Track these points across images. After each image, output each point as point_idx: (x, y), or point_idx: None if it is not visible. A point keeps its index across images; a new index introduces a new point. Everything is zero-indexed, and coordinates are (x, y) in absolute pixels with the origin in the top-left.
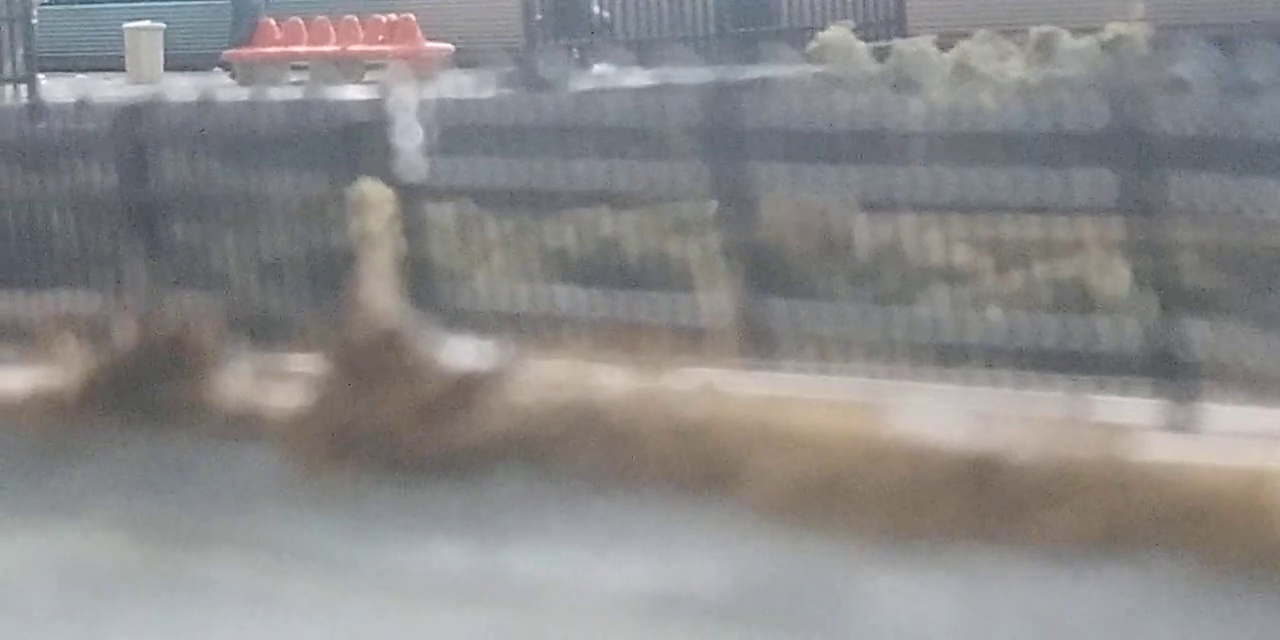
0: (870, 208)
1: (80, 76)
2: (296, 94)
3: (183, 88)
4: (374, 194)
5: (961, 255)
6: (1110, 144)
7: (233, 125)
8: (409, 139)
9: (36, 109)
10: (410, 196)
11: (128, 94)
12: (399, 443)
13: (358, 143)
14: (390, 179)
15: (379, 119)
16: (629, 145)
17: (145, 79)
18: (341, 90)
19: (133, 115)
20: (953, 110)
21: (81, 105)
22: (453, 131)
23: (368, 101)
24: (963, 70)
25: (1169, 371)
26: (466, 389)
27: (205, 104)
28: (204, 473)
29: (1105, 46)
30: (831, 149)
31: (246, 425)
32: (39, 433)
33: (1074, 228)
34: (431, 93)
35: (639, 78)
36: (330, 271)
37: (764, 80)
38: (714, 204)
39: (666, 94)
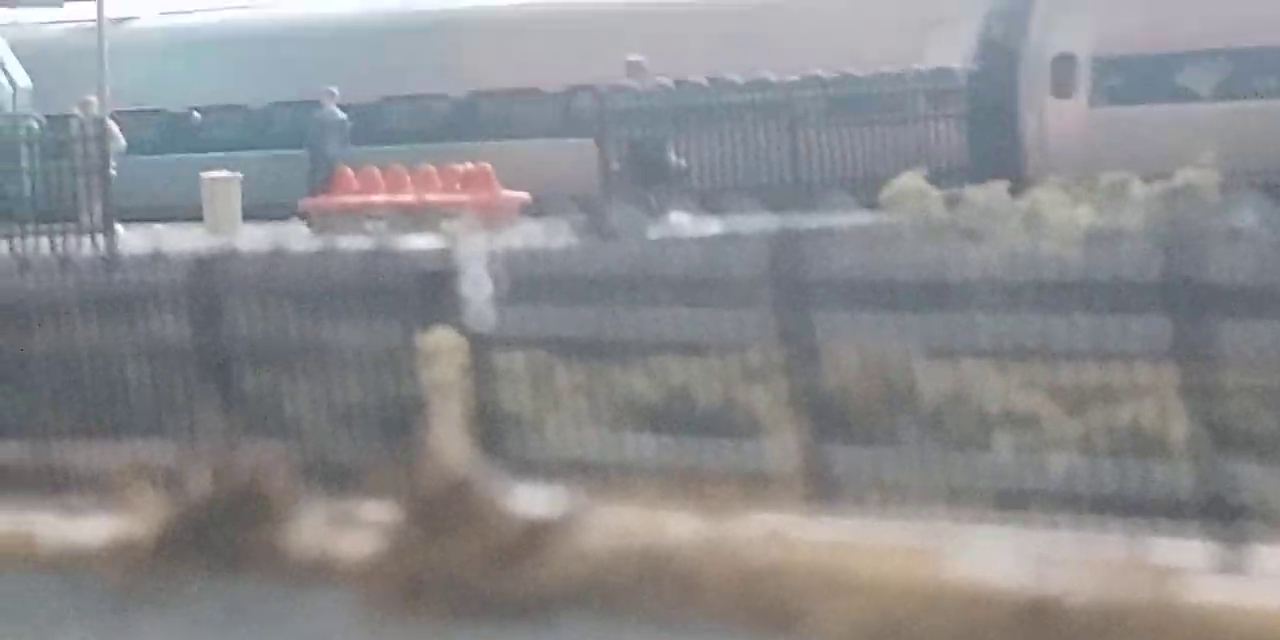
0: (934, 354)
1: (159, 226)
2: (369, 243)
3: (258, 237)
4: (445, 342)
5: (1022, 401)
6: (1166, 292)
7: (304, 275)
8: (479, 288)
9: (112, 260)
10: (480, 345)
11: (202, 244)
12: (470, 589)
13: (428, 292)
14: (461, 328)
15: (449, 268)
16: (698, 294)
17: (223, 229)
18: (413, 240)
19: (206, 266)
20: (1017, 258)
21: (156, 256)
22: (522, 280)
23: (438, 251)
24: (1033, 218)
25: (1221, 514)
26: (536, 536)
27: (277, 255)
28: (279, 619)
29: (1174, 194)
30: (896, 297)
31: (320, 572)
32: (116, 581)
33: (1132, 373)
34: (502, 242)
35: (714, 226)
36: (402, 419)
37: (837, 228)
38: (781, 351)
39: (736, 243)
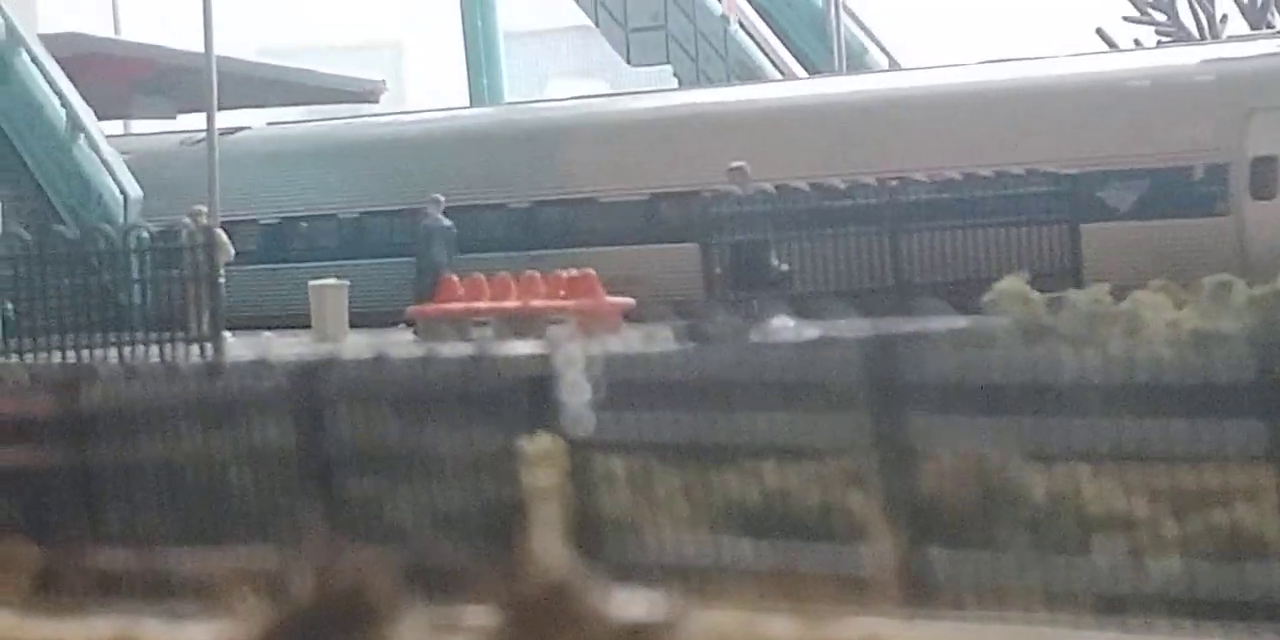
0: (1033, 458)
1: (266, 334)
2: (469, 350)
3: (362, 344)
4: (545, 447)
5: (1119, 504)
6: (1263, 395)
7: (405, 381)
8: (577, 393)
9: (217, 367)
10: (580, 449)
11: (305, 352)
12: None
13: (528, 397)
14: (560, 432)
15: (549, 374)
16: (796, 397)
17: (329, 336)
18: (513, 345)
19: (309, 373)
20: (1115, 361)
21: (259, 364)
22: (620, 385)
23: (538, 356)
24: (1136, 321)
25: None
26: (635, 639)
27: (378, 361)
28: None
29: (1276, 297)
30: (994, 400)
31: None
32: None
33: (1232, 476)
34: (601, 347)
35: (815, 330)
36: (502, 524)
37: (936, 331)
38: (879, 455)
39: (834, 347)
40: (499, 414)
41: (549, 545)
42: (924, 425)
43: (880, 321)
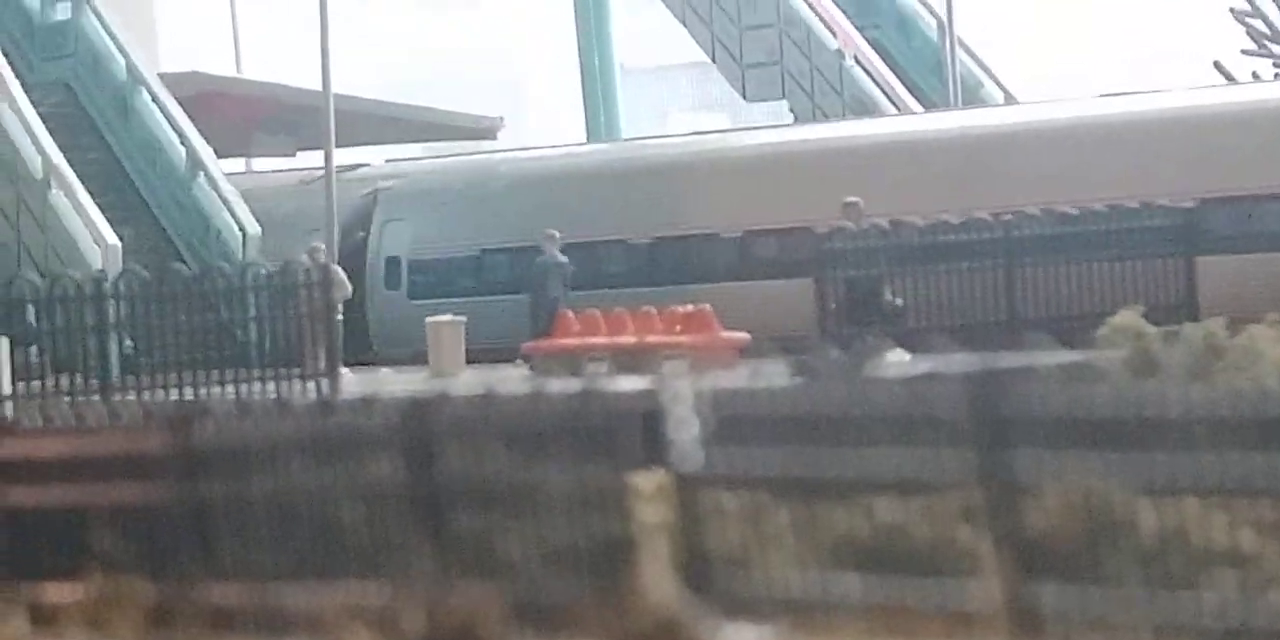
0: (1144, 492)
1: (385, 370)
2: (579, 385)
3: (477, 381)
4: (654, 483)
5: (1234, 539)
6: None
7: (515, 417)
8: (686, 428)
9: (329, 404)
10: (689, 485)
11: (421, 388)
12: None
13: (638, 433)
14: (669, 467)
15: (658, 409)
16: (907, 432)
17: (446, 371)
18: (622, 381)
19: (419, 410)
20: (1226, 395)
21: (370, 400)
22: (729, 420)
23: (647, 392)
24: (1251, 355)
25: None
26: None
27: (488, 398)
28: None
29: None
30: (1105, 435)
31: None
32: None
33: None
34: (711, 382)
35: (928, 364)
36: (611, 559)
37: (1049, 366)
38: (990, 490)
39: (946, 382)
40: (608, 449)
41: (658, 581)
42: (1032, 460)
43: (990, 356)
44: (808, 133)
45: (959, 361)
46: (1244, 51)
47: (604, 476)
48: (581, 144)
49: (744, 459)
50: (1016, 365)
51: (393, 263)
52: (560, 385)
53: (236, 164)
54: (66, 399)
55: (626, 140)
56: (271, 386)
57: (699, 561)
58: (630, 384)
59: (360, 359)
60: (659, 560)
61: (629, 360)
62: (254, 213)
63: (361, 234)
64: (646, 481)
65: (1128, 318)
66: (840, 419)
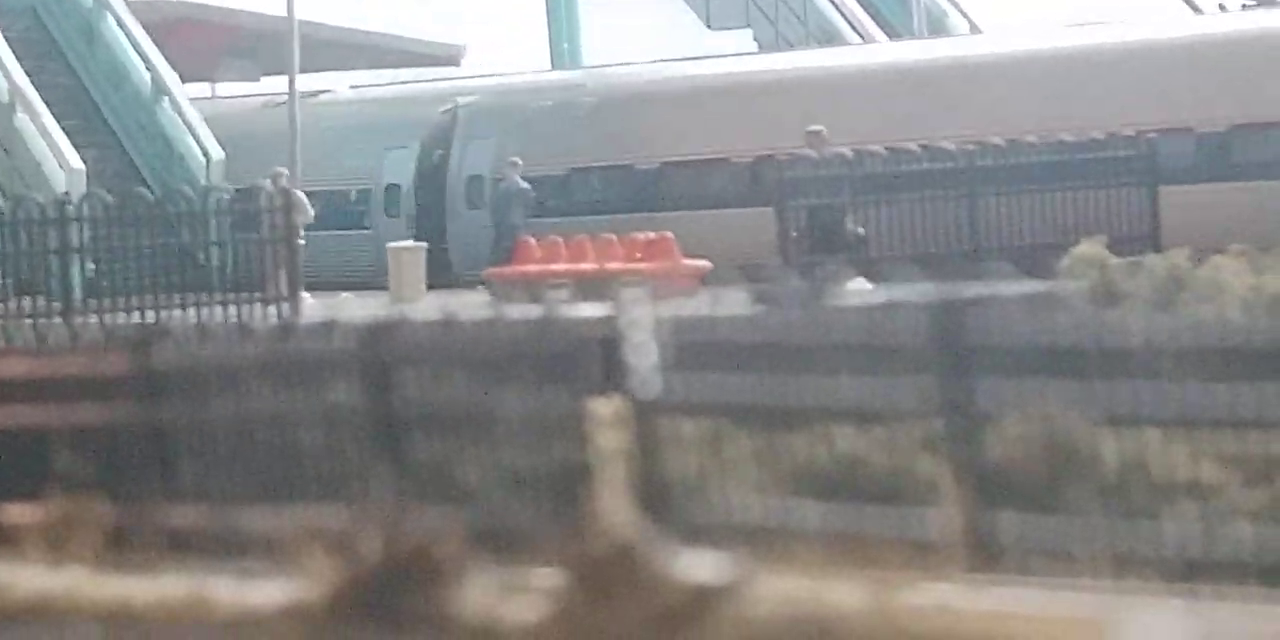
0: (1102, 423)
1: (345, 295)
2: (537, 312)
3: (436, 306)
4: (612, 410)
5: (1190, 470)
6: None
7: (473, 344)
8: (644, 356)
9: (288, 329)
10: (647, 412)
11: (381, 313)
12: None
13: (596, 360)
14: (628, 394)
15: (617, 336)
16: (866, 361)
17: (407, 297)
18: (582, 308)
19: (377, 335)
20: (1189, 325)
21: (328, 325)
22: (688, 348)
23: (606, 319)
24: (1215, 286)
25: None
26: (701, 602)
27: (446, 324)
28: None
29: None
30: (1067, 364)
31: (486, 637)
32: None
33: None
34: (671, 310)
35: (890, 293)
36: (569, 486)
37: (1012, 295)
38: (950, 419)
39: (906, 311)
40: (567, 376)
41: (615, 507)
42: (992, 390)
43: (951, 285)
44: (771, 62)
45: (920, 291)
46: None
47: (562, 403)
48: (545, 71)
49: (702, 386)
50: (978, 294)
51: (475, 182)
52: (518, 311)
53: (201, 89)
54: (28, 321)
55: (589, 68)
56: (233, 311)
57: (656, 489)
58: (586, 310)
59: (440, 282)
60: (616, 487)
61: (590, 287)
62: (232, 136)
63: (440, 152)
64: (605, 408)
65: (1090, 248)
66: (798, 347)
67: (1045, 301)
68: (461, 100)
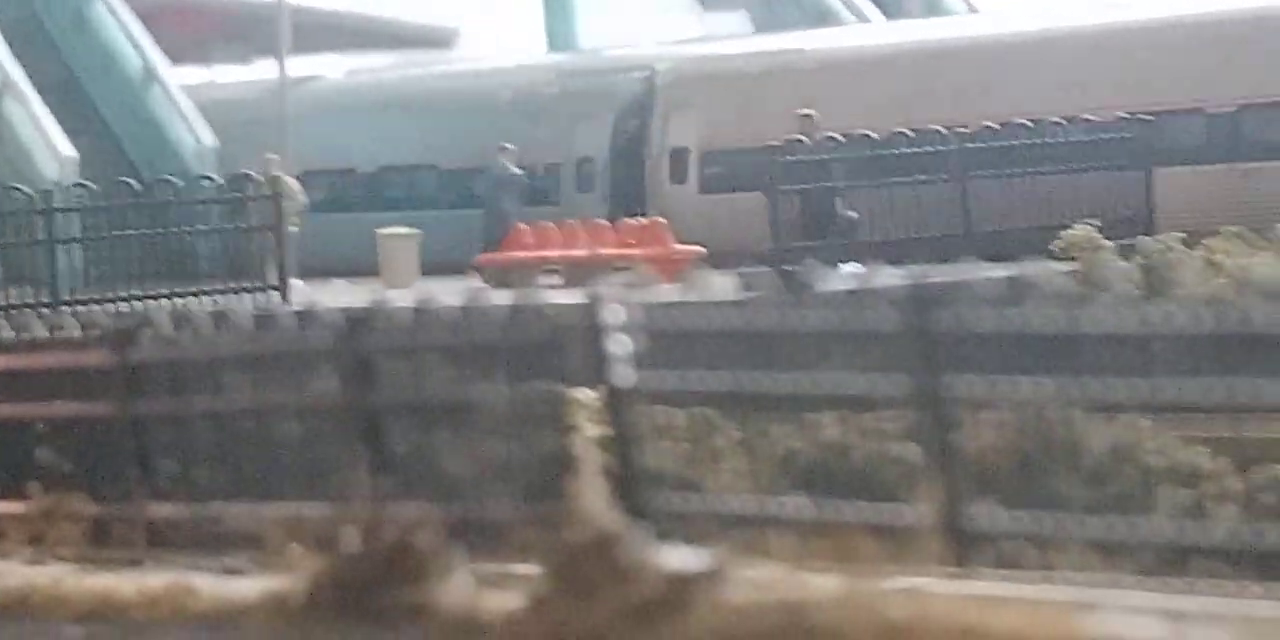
0: (1085, 410)
1: (337, 282)
2: (518, 300)
3: (428, 294)
4: (592, 399)
5: (1173, 457)
6: None
7: (453, 332)
8: (625, 344)
9: (269, 318)
10: (626, 401)
11: (365, 301)
12: None
13: (576, 348)
14: (607, 383)
15: (597, 324)
16: (847, 349)
17: (399, 284)
18: (563, 295)
19: (357, 324)
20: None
21: (308, 314)
22: (671, 335)
23: (587, 307)
24: (1210, 268)
25: None
26: (679, 591)
27: (426, 312)
28: None
29: None
30: (1045, 351)
31: (466, 629)
32: (269, 636)
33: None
34: (653, 296)
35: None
36: (548, 476)
37: (993, 280)
38: (925, 407)
39: (889, 297)
40: (546, 365)
41: (594, 497)
42: (972, 377)
43: (941, 269)
44: (767, 44)
45: (910, 275)
46: None
47: (542, 392)
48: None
49: (684, 375)
50: (967, 279)
51: (679, 154)
52: (502, 299)
53: (193, 73)
54: (15, 312)
55: (583, 52)
56: (221, 299)
57: (636, 479)
58: (567, 298)
59: None
60: (596, 478)
61: (581, 272)
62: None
63: (636, 123)
64: (586, 397)
65: (1083, 231)
66: (780, 335)
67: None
68: (660, 67)
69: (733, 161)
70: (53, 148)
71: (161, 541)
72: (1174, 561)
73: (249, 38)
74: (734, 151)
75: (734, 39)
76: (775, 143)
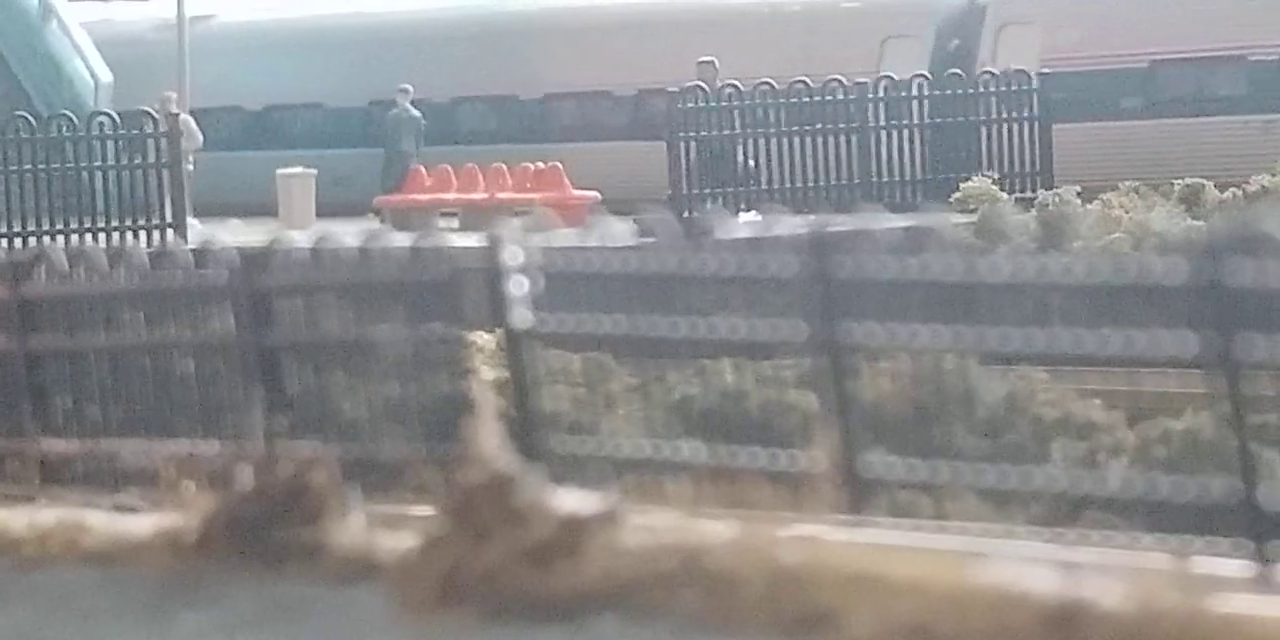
0: (981, 360)
1: (234, 221)
2: (417, 241)
3: (316, 233)
4: (485, 341)
5: (1056, 409)
6: (1210, 300)
7: (350, 273)
8: (523, 287)
9: (165, 255)
10: (523, 344)
11: (258, 240)
12: (505, 588)
13: (474, 290)
14: (505, 326)
15: (496, 266)
16: (744, 296)
17: (297, 224)
18: (462, 237)
19: (253, 263)
20: (1074, 262)
21: (203, 253)
22: (569, 279)
23: (486, 248)
24: (1106, 222)
25: (1267, 529)
26: (574, 535)
27: (323, 252)
28: (317, 615)
29: (1250, 199)
30: (941, 301)
31: (361, 569)
32: (161, 573)
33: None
34: (551, 240)
35: (777, 226)
36: (445, 418)
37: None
38: (820, 355)
39: (785, 244)
40: (444, 307)
41: (490, 440)
42: (870, 325)
43: (837, 218)
44: None
45: (807, 223)
46: None
47: (440, 334)
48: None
49: (582, 319)
50: (863, 228)
51: (1018, 79)
52: (400, 240)
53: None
54: None
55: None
56: (118, 237)
57: (532, 422)
58: (466, 240)
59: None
60: (493, 420)
61: (480, 216)
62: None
63: (956, 42)
64: (483, 339)
65: (981, 183)
66: (679, 280)
67: (930, 236)
68: None
69: (1088, 85)
70: None
71: (55, 478)
72: (1067, 512)
73: None
74: (1090, 74)
75: None
76: (673, 89)
